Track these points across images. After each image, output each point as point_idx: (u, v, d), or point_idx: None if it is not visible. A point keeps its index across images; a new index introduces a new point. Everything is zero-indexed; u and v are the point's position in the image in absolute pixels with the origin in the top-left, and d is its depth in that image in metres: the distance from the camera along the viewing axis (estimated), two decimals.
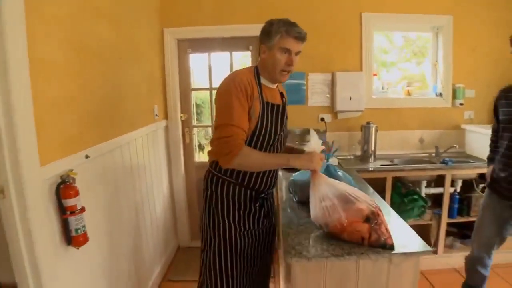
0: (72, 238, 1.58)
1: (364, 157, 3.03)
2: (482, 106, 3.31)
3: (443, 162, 2.88)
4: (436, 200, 3.00)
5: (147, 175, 2.72)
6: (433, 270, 2.93)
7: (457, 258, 2.96)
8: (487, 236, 2.28)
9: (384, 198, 2.78)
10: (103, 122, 2.02)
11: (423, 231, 3.18)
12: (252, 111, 1.57)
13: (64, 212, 1.54)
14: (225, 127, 1.52)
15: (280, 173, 1.88)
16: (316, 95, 3.17)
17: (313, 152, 1.54)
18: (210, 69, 3.28)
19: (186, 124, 3.35)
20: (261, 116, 1.59)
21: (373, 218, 1.41)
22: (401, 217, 2.94)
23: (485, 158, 2.45)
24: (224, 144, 1.53)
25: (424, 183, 2.96)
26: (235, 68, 3.24)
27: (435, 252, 2.96)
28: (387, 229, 1.41)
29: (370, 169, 2.86)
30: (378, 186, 2.82)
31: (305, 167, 1.53)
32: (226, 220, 1.67)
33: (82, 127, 1.79)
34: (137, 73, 2.60)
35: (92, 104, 1.91)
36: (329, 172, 1.85)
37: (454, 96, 3.26)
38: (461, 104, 3.24)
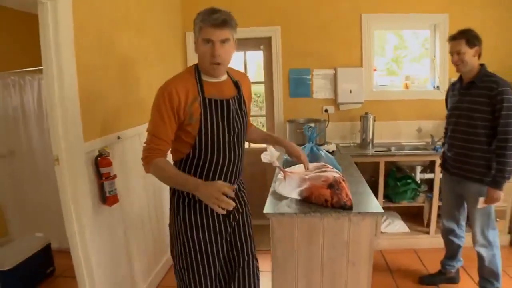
0: (106, 198, 2.09)
1: (363, 144, 3.38)
2: None
3: (434, 149, 3.18)
4: (431, 184, 3.29)
5: (169, 158, 3.21)
6: (425, 249, 3.24)
7: None
8: (448, 209, 2.66)
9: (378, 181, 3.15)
10: (132, 112, 2.54)
11: (417, 213, 3.49)
12: (189, 117, 1.54)
13: (100, 178, 2.06)
14: (148, 135, 1.59)
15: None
16: (320, 89, 3.57)
17: (213, 188, 1.35)
18: None
19: None
20: (203, 116, 1.55)
21: (335, 185, 1.80)
22: (395, 198, 3.33)
23: None
24: (143, 151, 1.60)
25: (418, 169, 3.27)
26: (248, 65, 3.72)
27: (427, 233, 3.27)
28: (347, 194, 1.80)
29: (364, 154, 3.22)
30: (375, 170, 3.18)
31: (204, 200, 1.39)
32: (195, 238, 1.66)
33: (115, 114, 2.31)
34: (161, 70, 3.11)
35: (123, 96, 2.43)
36: (313, 152, 2.25)
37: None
38: None
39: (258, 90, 3.94)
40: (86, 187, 1.99)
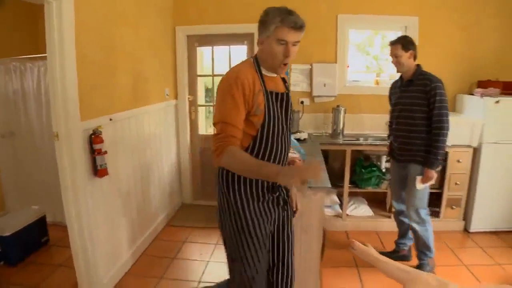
0: (97, 171, 2.53)
1: (334, 134, 3.83)
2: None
3: None
4: None
5: (157, 141, 3.68)
6: (386, 231, 3.69)
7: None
8: (396, 192, 3.11)
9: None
10: (124, 98, 2.98)
11: (381, 198, 3.95)
12: (256, 108, 1.59)
13: (93, 153, 2.49)
14: (218, 124, 1.58)
15: None
16: (297, 82, 4.03)
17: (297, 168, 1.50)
18: (213, 60, 4.22)
19: (193, 104, 4.33)
20: (267, 108, 1.61)
21: (291, 163, 2.24)
22: (361, 184, 3.76)
23: None
24: (215, 142, 1.57)
25: (384, 158, 3.74)
26: (232, 59, 4.17)
27: (389, 217, 3.72)
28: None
29: (333, 143, 3.67)
30: (344, 158, 3.62)
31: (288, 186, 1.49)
32: (247, 214, 1.69)
33: (109, 99, 2.75)
34: (153, 62, 3.55)
35: (117, 84, 2.88)
36: None
37: None
38: None
39: None
40: (81, 160, 2.43)
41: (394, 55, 2.78)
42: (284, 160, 1.79)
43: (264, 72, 1.68)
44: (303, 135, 3.51)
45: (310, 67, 3.98)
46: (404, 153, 2.88)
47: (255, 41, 3.94)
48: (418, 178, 2.76)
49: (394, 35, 3.73)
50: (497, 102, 3.47)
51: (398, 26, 3.98)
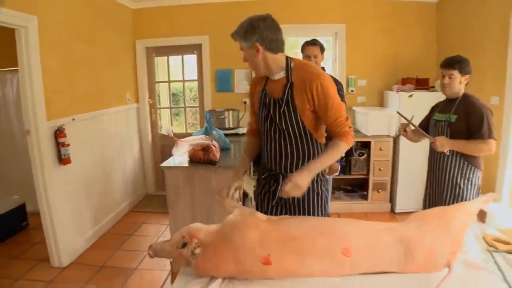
0: (62, 159, 3.50)
1: None
2: (372, 93, 5.02)
3: None
4: None
5: (119, 139, 4.67)
6: None
7: (342, 206, 4.65)
8: None
9: None
10: (85, 102, 3.96)
11: None
12: (255, 105, 2.15)
13: (58, 145, 3.47)
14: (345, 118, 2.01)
15: None
16: (240, 85, 5.01)
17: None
18: (169, 68, 5.24)
19: (153, 106, 5.34)
20: (257, 107, 2.11)
21: (206, 148, 3.20)
22: None
23: (366, 132, 4.32)
24: (351, 132, 2.01)
25: None
26: (185, 67, 5.16)
27: None
28: (214, 154, 3.19)
29: None
30: None
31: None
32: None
33: (71, 103, 3.72)
34: (112, 71, 4.55)
35: (79, 91, 3.85)
36: (207, 130, 3.64)
37: (348, 85, 4.93)
38: (352, 91, 4.94)
39: (193, 85, 5.42)
40: (48, 151, 3.40)
41: (313, 55, 3.30)
42: (277, 155, 2.09)
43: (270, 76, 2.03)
44: (241, 130, 4.47)
45: (251, 71, 4.94)
46: None
47: (203, 50, 4.98)
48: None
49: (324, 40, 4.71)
50: (411, 96, 4.40)
51: (329, 33, 4.96)
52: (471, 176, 2.68)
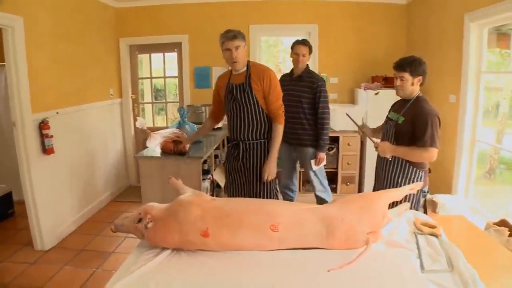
0: (46, 149, 3.77)
1: None
2: (344, 90, 5.36)
3: None
4: None
5: (102, 132, 4.96)
6: None
7: (313, 198, 4.95)
8: (286, 171, 4.04)
9: None
10: (69, 96, 4.23)
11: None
12: (222, 96, 3.05)
13: (42, 136, 3.74)
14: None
15: None
16: None
17: None
18: (151, 64, 5.54)
19: (135, 101, 5.63)
20: (224, 95, 3.01)
21: (177, 141, 3.48)
22: None
23: (334, 128, 4.62)
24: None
25: None
26: (166, 64, 5.47)
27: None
28: (184, 146, 3.47)
29: None
30: None
31: None
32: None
33: (56, 97, 3.99)
34: (97, 68, 4.83)
35: (64, 87, 4.13)
36: (180, 124, 3.92)
37: None
38: None
39: (174, 81, 5.70)
40: (32, 141, 3.66)
41: (302, 54, 3.61)
42: (238, 125, 2.98)
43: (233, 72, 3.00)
44: (218, 125, 4.75)
45: (227, 69, 5.19)
46: (295, 137, 3.74)
47: (183, 48, 5.26)
48: (313, 161, 3.72)
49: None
50: (377, 93, 4.69)
51: (302, 33, 5.25)
52: (412, 176, 2.70)
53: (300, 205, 2.09)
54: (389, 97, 4.29)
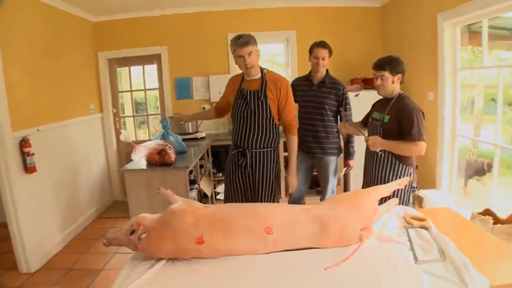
0: (27, 168, 3.71)
1: (228, 133, 5.08)
2: None
3: None
4: None
5: (84, 148, 4.90)
6: None
7: None
8: (301, 180, 3.59)
9: None
10: (49, 113, 4.17)
11: None
12: (231, 98, 3.00)
13: (23, 154, 3.68)
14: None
15: None
16: (199, 92, 5.34)
17: None
18: (130, 77, 5.53)
19: (116, 115, 5.60)
20: (234, 99, 2.96)
21: (162, 151, 3.47)
22: None
23: None
24: None
25: None
26: (146, 76, 5.48)
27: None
28: (170, 157, 3.46)
29: (221, 139, 4.93)
30: None
31: None
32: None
33: (36, 114, 3.93)
34: (76, 83, 4.78)
35: (43, 103, 4.07)
36: (164, 135, 3.91)
37: None
38: None
39: (154, 94, 5.69)
40: (13, 161, 3.59)
41: (322, 57, 3.52)
42: (247, 137, 2.94)
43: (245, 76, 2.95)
44: (201, 134, 4.77)
45: (208, 78, 5.30)
46: (317, 145, 3.59)
47: (163, 60, 5.27)
48: (344, 169, 3.81)
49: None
50: (357, 95, 4.77)
51: (281, 39, 5.33)
52: (402, 173, 2.77)
53: (291, 207, 2.12)
54: (369, 98, 4.34)
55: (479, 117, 4.38)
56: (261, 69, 2.91)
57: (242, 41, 2.73)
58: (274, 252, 1.92)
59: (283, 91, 2.86)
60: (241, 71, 3.00)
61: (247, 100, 2.88)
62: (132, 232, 1.95)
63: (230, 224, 1.90)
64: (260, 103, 2.85)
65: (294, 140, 2.99)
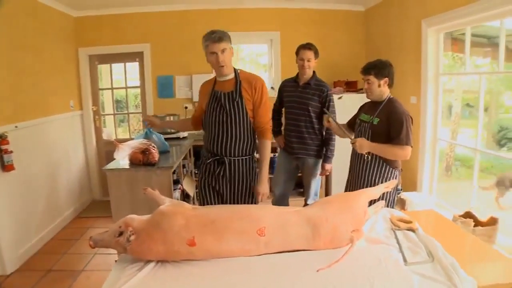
0: (5, 166, 3.60)
1: None
2: None
3: None
4: None
5: (64, 145, 4.79)
6: None
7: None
8: (280, 178, 3.86)
9: None
10: (28, 109, 4.06)
11: None
12: (204, 104, 2.76)
13: (1, 152, 3.56)
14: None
15: None
16: (181, 90, 5.29)
17: None
18: (111, 75, 5.44)
19: (96, 113, 5.49)
20: (207, 104, 2.72)
21: (145, 151, 3.41)
22: None
23: None
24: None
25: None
26: (128, 74, 5.41)
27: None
28: (153, 156, 3.41)
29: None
30: None
31: None
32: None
33: (14, 110, 3.82)
34: (56, 79, 4.66)
35: (22, 99, 3.96)
36: (147, 135, 3.86)
37: None
38: None
39: (138, 92, 5.62)
40: None
41: (307, 59, 3.51)
42: (223, 144, 2.71)
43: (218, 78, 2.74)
44: (183, 134, 4.71)
45: (190, 77, 5.26)
46: (300, 146, 3.63)
47: (145, 58, 5.20)
48: (319, 172, 3.70)
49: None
50: (340, 98, 4.82)
51: (265, 40, 5.35)
52: (389, 175, 2.81)
53: (283, 208, 2.12)
54: (352, 101, 4.45)
55: (456, 121, 4.50)
56: (235, 70, 2.73)
57: (215, 37, 2.53)
58: (266, 254, 1.93)
59: (258, 90, 2.67)
60: (212, 76, 2.86)
61: (221, 103, 2.67)
62: (120, 233, 1.91)
63: (221, 226, 1.89)
64: (235, 105, 2.65)
65: (267, 145, 2.78)
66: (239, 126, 2.68)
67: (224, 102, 2.66)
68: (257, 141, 2.83)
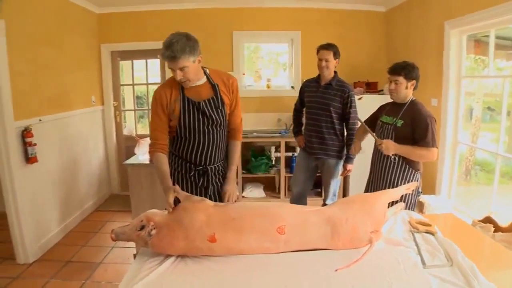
0: (29, 158, 3.69)
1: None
2: None
3: (280, 133, 4.93)
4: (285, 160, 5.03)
5: (84, 140, 4.89)
6: None
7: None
8: (299, 178, 3.86)
9: None
10: (51, 104, 4.16)
11: (271, 181, 5.24)
12: (172, 113, 2.30)
13: (25, 144, 3.66)
14: (150, 132, 2.40)
15: None
16: None
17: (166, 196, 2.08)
18: (133, 71, 5.52)
19: (117, 108, 5.59)
20: (182, 112, 2.30)
21: None
22: (252, 170, 5.01)
23: None
24: (149, 146, 2.39)
25: (273, 149, 5.01)
26: (149, 71, 5.47)
27: (278, 197, 5.00)
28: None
29: None
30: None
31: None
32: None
33: (38, 104, 3.92)
34: (78, 74, 4.76)
35: (46, 93, 4.06)
36: None
37: None
38: None
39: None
40: (15, 150, 3.58)
41: (325, 59, 3.50)
42: (208, 152, 2.45)
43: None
44: None
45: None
46: (320, 147, 3.62)
47: None
48: (340, 172, 3.68)
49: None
50: (360, 99, 4.79)
51: (285, 39, 5.36)
52: (411, 178, 2.79)
53: (302, 207, 2.14)
54: (372, 102, 4.41)
55: (477, 125, 4.44)
56: (204, 71, 2.40)
57: (169, 55, 2.11)
58: (285, 252, 1.95)
59: (234, 91, 2.47)
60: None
61: (206, 114, 2.34)
62: (142, 227, 1.95)
63: (241, 223, 1.92)
64: (219, 112, 2.38)
65: (239, 145, 2.63)
66: (222, 132, 2.48)
67: (209, 113, 2.35)
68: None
